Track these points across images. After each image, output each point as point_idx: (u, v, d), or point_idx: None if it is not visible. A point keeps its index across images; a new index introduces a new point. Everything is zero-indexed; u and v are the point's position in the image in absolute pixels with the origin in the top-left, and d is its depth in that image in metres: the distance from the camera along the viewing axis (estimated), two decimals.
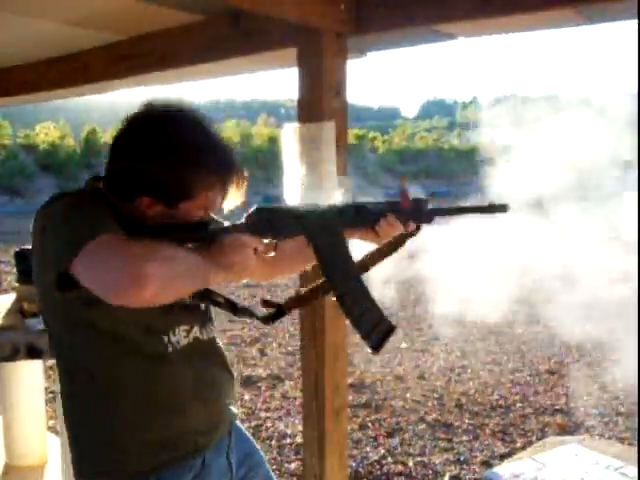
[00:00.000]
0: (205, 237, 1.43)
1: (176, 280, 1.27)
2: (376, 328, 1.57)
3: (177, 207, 1.43)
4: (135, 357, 1.47)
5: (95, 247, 1.25)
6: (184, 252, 1.33)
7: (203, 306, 1.64)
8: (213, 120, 1.51)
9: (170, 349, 1.51)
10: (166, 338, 1.50)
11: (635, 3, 2.06)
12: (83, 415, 1.52)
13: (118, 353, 1.46)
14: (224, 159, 1.47)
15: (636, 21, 2.13)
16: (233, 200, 1.52)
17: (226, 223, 1.58)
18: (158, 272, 1.20)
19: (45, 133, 31.74)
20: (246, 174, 1.53)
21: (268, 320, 1.71)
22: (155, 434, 1.49)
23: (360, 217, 1.60)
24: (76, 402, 1.52)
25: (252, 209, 1.50)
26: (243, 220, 1.49)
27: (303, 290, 1.70)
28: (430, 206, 1.64)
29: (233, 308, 1.64)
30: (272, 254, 1.55)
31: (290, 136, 2.45)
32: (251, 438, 1.82)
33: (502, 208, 1.59)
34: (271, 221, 1.50)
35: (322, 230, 1.55)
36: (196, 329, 1.58)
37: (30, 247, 1.53)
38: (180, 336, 1.54)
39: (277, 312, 1.70)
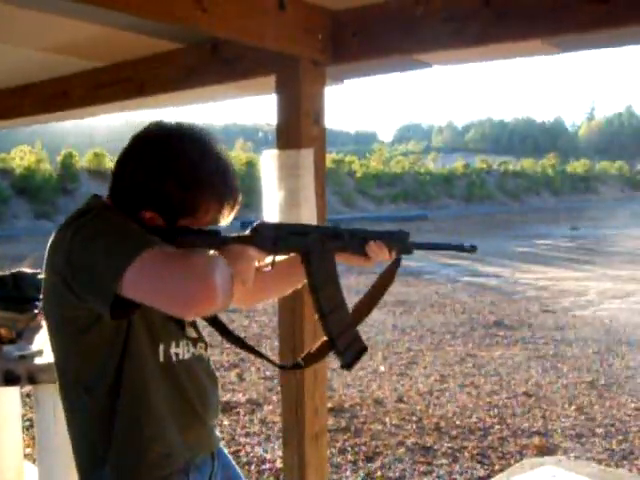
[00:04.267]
0: (216, 244, 1.48)
1: (229, 289, 1.32)
2: (350, 347, 1.67)
3: (177, 223, 1.48)
4: (147, 370, 1.51)
5: (153, 259, 1.29)
6: (224, 262, 1.35)
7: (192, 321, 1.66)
8: (218, 139, 1.57)
9: (172, 360, 1.55)
10: (165, 349, 1.54)
11: (602, 33, 2.14)
12: (96, 434, 1.52)
13: (142, 365, 1.49)
14: (227, 181, 1.52)
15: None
16: (226, 220, 1.57)
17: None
18: (222, 282, 1.26)
19: (21, 157, 31.49)
20: (240, 196, 1.58)
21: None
22: (164, 448, 1.52)
23: (352, 240, 1.70)
24: (98, 418, 1.52)
25: (256, 223, 1.56)
26: (248, 232, 1.54)
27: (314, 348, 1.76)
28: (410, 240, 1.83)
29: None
30: (269, 269, 1.61)
31: (269, 162, 2.48)
32: (235, 465, 1.83)
33: (472, 249, 1.83)
34: (273, 236, 1.57)
35: (317, 250, 1.63)
36: (186, 343, 1.61)
37: (7, 273, 1.55)
38: (179, 349, 1.57)
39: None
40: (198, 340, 1.66)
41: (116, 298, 1.32)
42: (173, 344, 1.56)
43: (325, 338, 1.69)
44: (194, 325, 1.67)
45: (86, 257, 1.36)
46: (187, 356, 1.59)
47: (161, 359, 1.53)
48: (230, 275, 1.33)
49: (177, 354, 1.56)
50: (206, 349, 1.69)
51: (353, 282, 10.46)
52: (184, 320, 1.60)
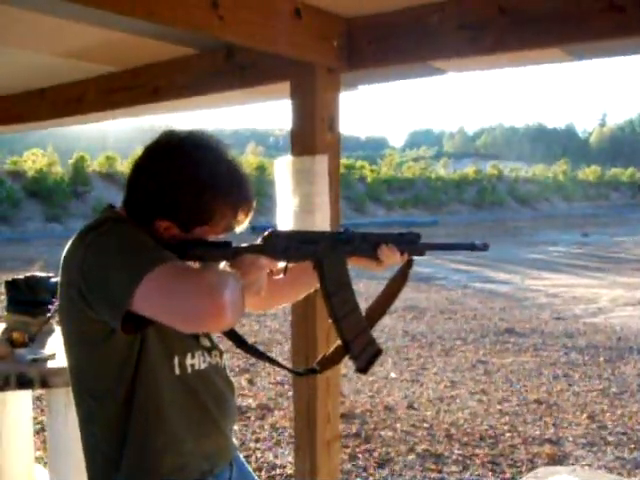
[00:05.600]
0: (228, 255, 1.50)
1: (240, 305, 1.33)
2: (365, 351, 1.68)
3: (192, 231, 1.49)
4: (162, 382, 1.50)
5: (164, 275, 1.30)
6: (235, 277, 1.37)
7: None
8: (230, 147, 1.58)
9: (187, 371, 1.55)
10: (180, 361, 1.54)
11: (616, 42, 2.14)
12: (107, 446, 1.52)
13: (150, 379, 1.49)
14: (241, 188, 1.53)
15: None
16: (241, 226, 1.58)
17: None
18: (232, 299, 1.27)
19: (33, 160, 31.65)
20: (255, 202, 1.59)
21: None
22: (179, 459, 1.52)
23: (363, 244, 1.70)
24: (109, 426, 1.52)
25: (267, 231, 1.56)
26: (259, 241, 1.55)
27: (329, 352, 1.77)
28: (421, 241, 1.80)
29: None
30: (281, 276, 1.62)
31: (283, 168, 2.48)
32: (252, 472, 1.83)
33: (484, 247, 1.79)
34: (285, 244, 1.57)
35: (329, 256, 1.63)
36: (202, 353, 1.61)
37: (21, 277, 1.55)
38: (194, 360, 1.57)
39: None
40: (212, 348, 1.66)
41: (128, 313, 1.32)
42: (189, 355, 1.56)
43: (339, 342, 1.69)
44: (207, 334, 1.67)
45: (99, 271, 1.37)
46: (203, 366, 1.59)
47: (177, 371, 1.53)
48: (241, 291, 1.34)
49: (193, 365, 1.56)
50: (221, 356, 1.69)
51: (362, 288, 10.46)
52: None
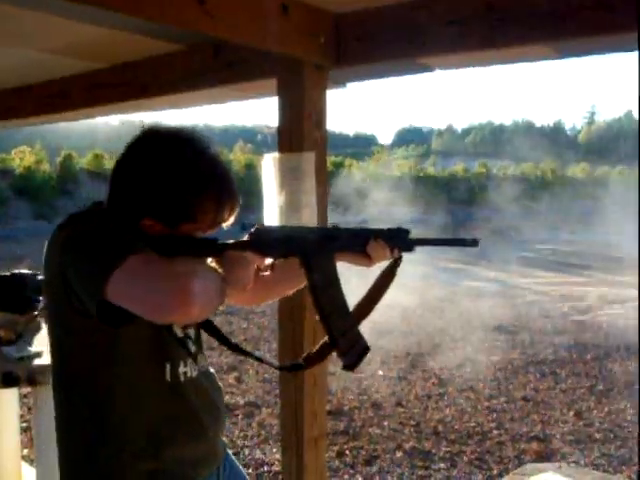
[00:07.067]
0: (214, 252, 1.49)
1: (212, 297, 1.31)
2: (353, 348, 1.65)
3: (177, 229, 1.47)
4: (147, 387, 1.48)
5: (134, 265, 1.27)
6: (211, 270, 1.36)
7: (194, 336, 1.63)
8: (213, 142, 1.55)
9: (179, 379, 1.53)
10: (172, 369, 1.52)
11: (603, 39, 2.14)
12: (82, 443, 1.50)
13: (134, 382, 1.46)
14: (222, 182, 1.51)
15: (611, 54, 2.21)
16: (227, 223, 1.56)
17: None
18: (201, 289, 1.24)
19: (20, 157, 31.44)
20: (240, 198, 1.56)
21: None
22: (152, 464, 1.49)
23: (352, 240, 1.69)
24: (80, 431, 1.50)
25: (253, 228, 1.54)
26: (246, 238, 1.53)
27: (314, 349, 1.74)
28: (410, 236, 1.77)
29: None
30: (268, 273, 1.60)
31: (270, 166, 2.47)
32: (244, 472, 1.81)
33: (474, 243, 1.76)
34: (271, 240, 1.56)
35: (316, 252, 1.61)
36: (192, 361, 1.59)
37: (7, 274, 1.53)
38: (187, 367, 1.56)
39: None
40: (200, 354, 1.64)
41: (107, 304, 1.29)
42: (181, 363, 1.54)
43: (326, 339, 1.68)
44: (197, 340, 1.64)
45: (76, 264, 1.36)
46: (195, 374, 1.58)
47: (168, 378, 1.50)
48: (218, 285, 1.33)
49: (185, 373, 1.55)
50: (206, 362, 1.68)
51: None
52: (186, 339, 1.58)
